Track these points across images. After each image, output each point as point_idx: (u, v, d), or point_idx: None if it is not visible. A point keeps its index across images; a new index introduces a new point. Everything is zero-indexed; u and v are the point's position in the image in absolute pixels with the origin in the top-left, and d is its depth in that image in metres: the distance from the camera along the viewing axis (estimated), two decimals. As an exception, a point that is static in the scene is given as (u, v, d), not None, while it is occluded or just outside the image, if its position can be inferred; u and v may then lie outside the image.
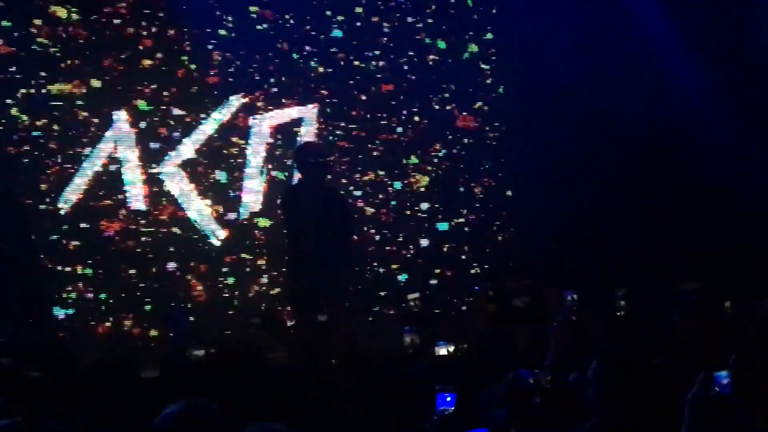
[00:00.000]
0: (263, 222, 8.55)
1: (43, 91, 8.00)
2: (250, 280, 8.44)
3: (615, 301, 6.49)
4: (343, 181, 8.69)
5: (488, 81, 9.38)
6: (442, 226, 9.09)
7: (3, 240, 6.72)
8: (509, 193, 9.31)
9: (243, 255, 8.46)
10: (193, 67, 8.42)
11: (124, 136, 8.22)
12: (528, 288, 6.82)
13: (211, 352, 5.11)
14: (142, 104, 8.29)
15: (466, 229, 9.17)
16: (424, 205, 9.08)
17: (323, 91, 8.84)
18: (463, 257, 9.12)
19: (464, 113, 9.29)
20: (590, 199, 8.99)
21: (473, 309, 7.96)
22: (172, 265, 8.24)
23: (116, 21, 8.21)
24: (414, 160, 9.12)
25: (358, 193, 8.82)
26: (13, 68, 7.91)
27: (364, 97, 8.96)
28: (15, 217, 6.96)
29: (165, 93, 8.37)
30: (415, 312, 6.99)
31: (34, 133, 7.96)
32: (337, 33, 8.92)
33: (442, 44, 9.20)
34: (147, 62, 8.30)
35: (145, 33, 8.30)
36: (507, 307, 6.63)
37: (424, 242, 9.01)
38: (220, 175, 8.48)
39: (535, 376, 4.22)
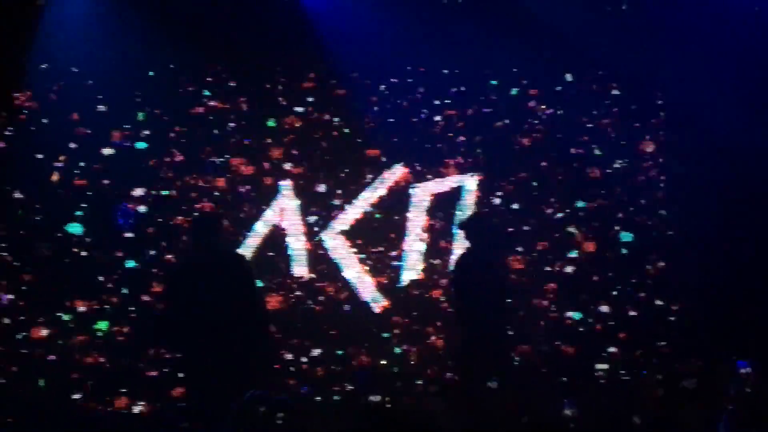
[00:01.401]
0: (423, 290, 8.53)
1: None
2: (413, 347, 8.38)
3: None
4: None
5: (653, 153, 9.11)
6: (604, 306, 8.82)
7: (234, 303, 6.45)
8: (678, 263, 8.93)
9: (404, 322, 8.43)
10: (354, 137, 8.63)
11: (289, 205, 8.44)
12: (698, 368, 6.62)
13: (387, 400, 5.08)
14: (304, 173, 8.54)
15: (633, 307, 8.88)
16: (587, 279, 8.85)
17: (482, 161, 8.80)
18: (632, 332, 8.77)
19: (629, 188, 9.03)
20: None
21: (642, 392, 7.66)
22: (332, 332, 8.31)
23: (275, 93, 8.60)
24: (572, 231, 8.91)
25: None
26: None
27: (523, 172, 8.85)
28: (246, 281, 6.70)
29: (328, 163, 8.59)
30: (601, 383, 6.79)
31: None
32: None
33: (600, 152, 8.97)
34: (310, 132, 8.60)
35: (308, 106, 8.60)
36: (676, 390, 6.45)
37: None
38: (381, 244, 8.55)
39: None
